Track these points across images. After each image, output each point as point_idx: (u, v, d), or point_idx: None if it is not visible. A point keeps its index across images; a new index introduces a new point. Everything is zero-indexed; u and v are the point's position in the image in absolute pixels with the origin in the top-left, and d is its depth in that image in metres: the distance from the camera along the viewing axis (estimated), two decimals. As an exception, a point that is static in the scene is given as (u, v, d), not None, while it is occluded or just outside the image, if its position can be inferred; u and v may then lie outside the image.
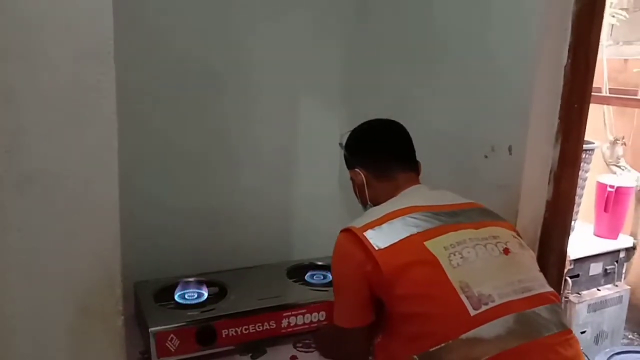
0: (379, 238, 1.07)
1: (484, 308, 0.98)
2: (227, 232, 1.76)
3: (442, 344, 0.97)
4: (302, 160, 1.90)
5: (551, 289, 1.09)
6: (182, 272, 1.54)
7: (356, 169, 1.27)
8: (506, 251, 1.09)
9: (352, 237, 1.11)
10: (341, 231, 1.16)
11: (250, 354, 1.39)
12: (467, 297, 0.99)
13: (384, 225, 1.10)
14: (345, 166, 1.36)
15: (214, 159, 1.74)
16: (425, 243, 1.06)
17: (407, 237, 1.07)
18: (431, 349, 0.98)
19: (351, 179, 1.32)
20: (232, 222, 1.78)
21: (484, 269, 1.05)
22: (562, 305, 2.19)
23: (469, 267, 1.04)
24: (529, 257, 1.15)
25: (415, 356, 1.00)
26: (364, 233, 1.09)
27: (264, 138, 1.81)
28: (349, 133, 1.33)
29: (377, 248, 1.06)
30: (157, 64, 1.57)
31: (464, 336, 0.96)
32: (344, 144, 1.33)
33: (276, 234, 1.88)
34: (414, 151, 1.29)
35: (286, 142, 1.87)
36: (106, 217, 0.91)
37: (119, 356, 0.96)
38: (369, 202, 1.27)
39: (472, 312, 0.98)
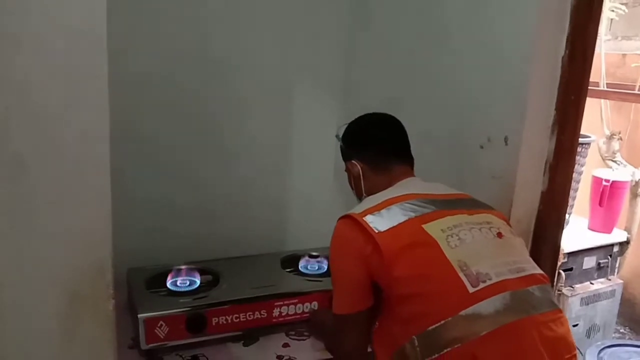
0: (379, 222, 1.10)
1: (481, 285, 1.02)
2: (222, 221, 1.76)
3: (442, 322, 0.99)
4: (297, 151, 1.90)
5: (541, 271, 1.13)
6: (176, 260, 1.53)
7: (353, 161, 1.29)
8: (499, 235, 1.14)
9: (352, 222, 1.13)
10: (340, 218, 1.18)
11: (242, 341, 1.40)
12: (466, 275, 1.02)
13: (382, 211, 1.13)
14: (340, 158, 1.37)
15: (209, 148, 1.74)
16: (423, 226, 1.09)
17: (406, 220, 1.10)
18: (430, 328, 1.00)
19: (346, 170, 1.33)
20: (227, 212, 1.77)
21: (481, 250, 1.08)
22: (556, 299, 2.19)
23: (466, 248, 1.07)
24: (520, 243, 1.19)
25: (414, 336, 1.02)
26: (364, 217, 1.11)
27: (260, 129, 1.80)
28: (345, 125, 1.35)
29: (377, 231, 1.08)
30: (151, 54, 1.56)
31: (463, 312, 0.99)
32: (340, 136, 1.35)
33: (271, 224, 1.88)
34: (409, 145, 1.31)
35: (282, 133, 1.86)
36: (97, 201, 0.90)
37: (109, 341, 0.95)
38: (364, 194, 1.29)
39: (471, 289, 1.01)
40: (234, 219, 1.78)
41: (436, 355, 0.99)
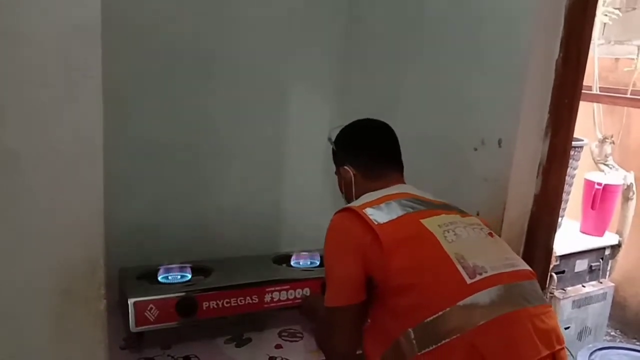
0: (378, 215, 1.12)
1: (478, 277, 1.04)
2: (214, 225, 1.75)
3: (440, 313, 1.00)
4: (291, 154, 1.89)
5: (530, 268, 1.16)
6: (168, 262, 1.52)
7: (345, 167, 1.30)
8: (491, 235, 1.19)
9: (351, 214, 1.15)
10: (337, 212, 1.18)
11: (235, 342, 1.39)
12: (463, 267, 1.05)
13: (382, 205, 1.15)
14: (330, 161, 1.37)
15: (203, 151, 1.73)
16: (421, 220, 1.12)
17: (404, 214, 1.13)
18: (427, 320, 1.01)
19: (336, 174, 1.35)
20: (220, 215, 1.76)
21: (476, 245, 1.12)
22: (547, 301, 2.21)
23: (462, 243, 1.10)
24: (507, 245, 1.22)
25: (409, 329, 1.02)
26: (364, 210, 1.13)
27: (253, 131, 1.79)
28: (338, 129, 1.35)
29: (376, 223, 1.10)
30: (144, 54, 1.55)
31: (461, 303, 1.01)
32: (333, 139, 1.35)
33: (264, 228, 1.86)
34: (400, 153, 1.33)
35: (275, 136, 1.86)
36: (90, 200, 0.89)
37: (100, 341, 0.94)
38: (354, 199, 1.28)
39: (469, 281, 1.03)
40: (226, 223, 1.76)
41: (433, 347, 0.99)
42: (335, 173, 1.36)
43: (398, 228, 1.10)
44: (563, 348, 1.06)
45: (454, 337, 0.98)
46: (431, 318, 1.00)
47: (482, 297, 1.02)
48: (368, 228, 1.10)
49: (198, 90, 1.67)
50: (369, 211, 1.12)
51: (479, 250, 1.10)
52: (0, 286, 0.86)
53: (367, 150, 1.30)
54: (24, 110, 0.82)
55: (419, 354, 1.00)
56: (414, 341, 1.01)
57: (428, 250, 1.08)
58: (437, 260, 1.06)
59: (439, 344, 0.99)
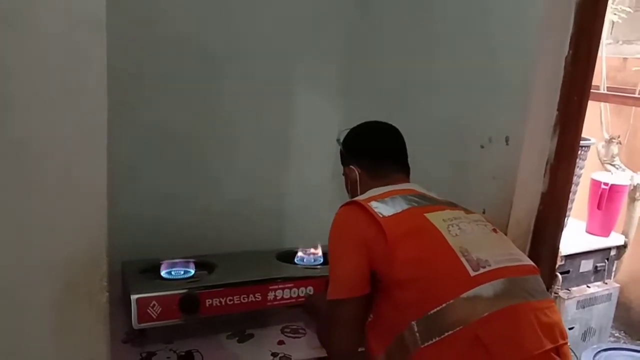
0: (383, 208, 1.13)
1: (482, 270, 1.05)
2: (219, 219, 1.74)
3: (443, 305, 1.00)
4: (296, 150, 1.88)
5: (533, 263, 1.16)
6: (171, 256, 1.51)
7: (351, 166, 1.31)
8: (495, 231, 1.20)
9: (357, 207, 1.15)
10: (342, 205, 1.19)
11: (237, 338, 1.38)
12: (467, 260, 1.05)
13: (387, 199, 1.16)
14: (338, 160, 1.37)
15: (208, 145, 1.72)
16: (425, 214, 1.13)
17: (409, 208, 1.14)
18: (431, 312, 1.01)
19: (344, 174, 1.35)
20: (225, 209, 1.75)
21: (480, 240, 1.13)
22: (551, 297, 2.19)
23: (466, 237, 1.11)
24: (511, 241, 1.23)
25: (413, 322, 1.02)
26: (369, 203, 1.13)
27: (259, 127, 1.79)
28: (347, 130, 1.36)
29: (381, 216, 1.10)
30: (150, 48, 1.54)
31: (465, 295, 1.01)
32: (341, 140, 1.36)
33: (268, 223, 1.86)
34: (407, 155, 1.33)
35: (281, 131, 1.85)
36: (93, 192, 0.88)
37: (103, 333, 0.94)
38: None
39: (472, 273, 1.04)
40: (231, 216, 1.76)
41: (437, 339, 0.99)
42: (343, 174, 1.36)
43: (403, 221, 1.10)
44: (567, 343, 1.06)
45: (458, 329, 0.98)
46: (435, 310, 1.00)
47: (486, 289, 1.02)
48: (373, 221, 1.10)
49: (205, 85, 1.67)
50: (374, 204, 1.13)
51: (483, 245, 1.11)
52: (2, 278, 0.86)
53: (373, 152, 1.31)
54: (28, 102, 0.82)
55: (422, 346, 1.00)
56: (418, 334, 1.01)
57: (432, 243, 1.09)
58: (441, 253, 1.07)
59: (443, 336, 0.98)
